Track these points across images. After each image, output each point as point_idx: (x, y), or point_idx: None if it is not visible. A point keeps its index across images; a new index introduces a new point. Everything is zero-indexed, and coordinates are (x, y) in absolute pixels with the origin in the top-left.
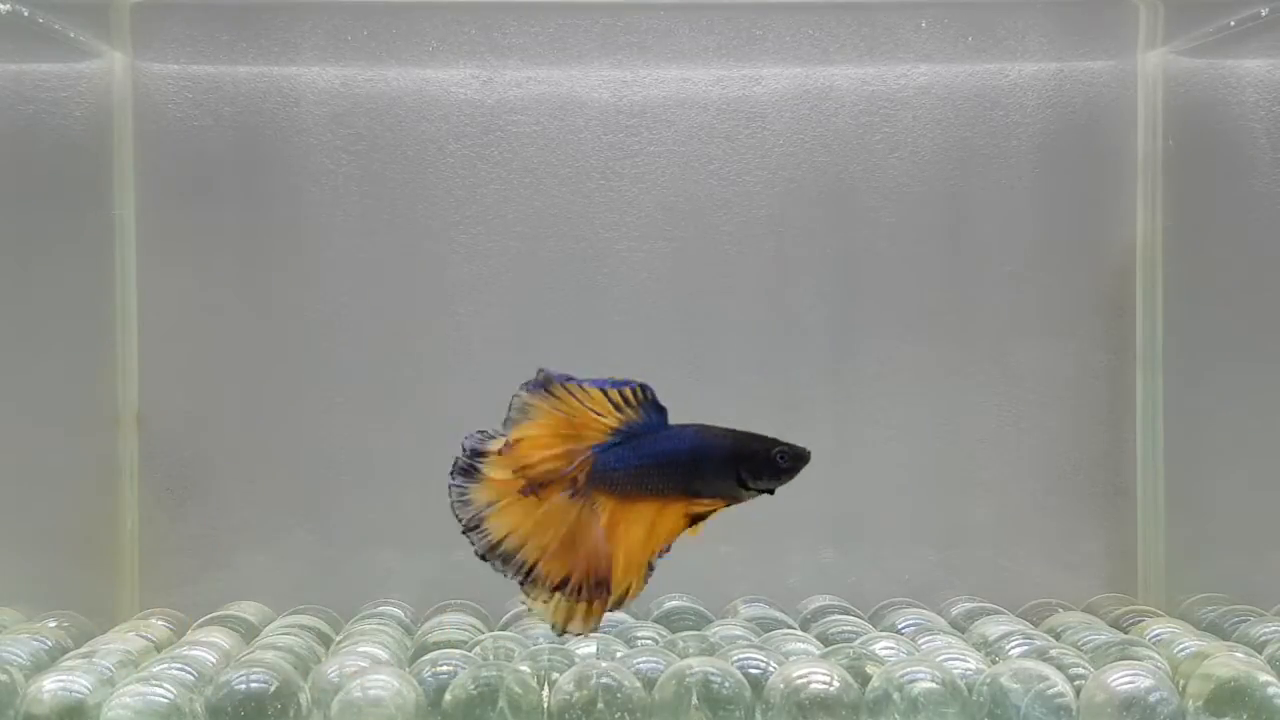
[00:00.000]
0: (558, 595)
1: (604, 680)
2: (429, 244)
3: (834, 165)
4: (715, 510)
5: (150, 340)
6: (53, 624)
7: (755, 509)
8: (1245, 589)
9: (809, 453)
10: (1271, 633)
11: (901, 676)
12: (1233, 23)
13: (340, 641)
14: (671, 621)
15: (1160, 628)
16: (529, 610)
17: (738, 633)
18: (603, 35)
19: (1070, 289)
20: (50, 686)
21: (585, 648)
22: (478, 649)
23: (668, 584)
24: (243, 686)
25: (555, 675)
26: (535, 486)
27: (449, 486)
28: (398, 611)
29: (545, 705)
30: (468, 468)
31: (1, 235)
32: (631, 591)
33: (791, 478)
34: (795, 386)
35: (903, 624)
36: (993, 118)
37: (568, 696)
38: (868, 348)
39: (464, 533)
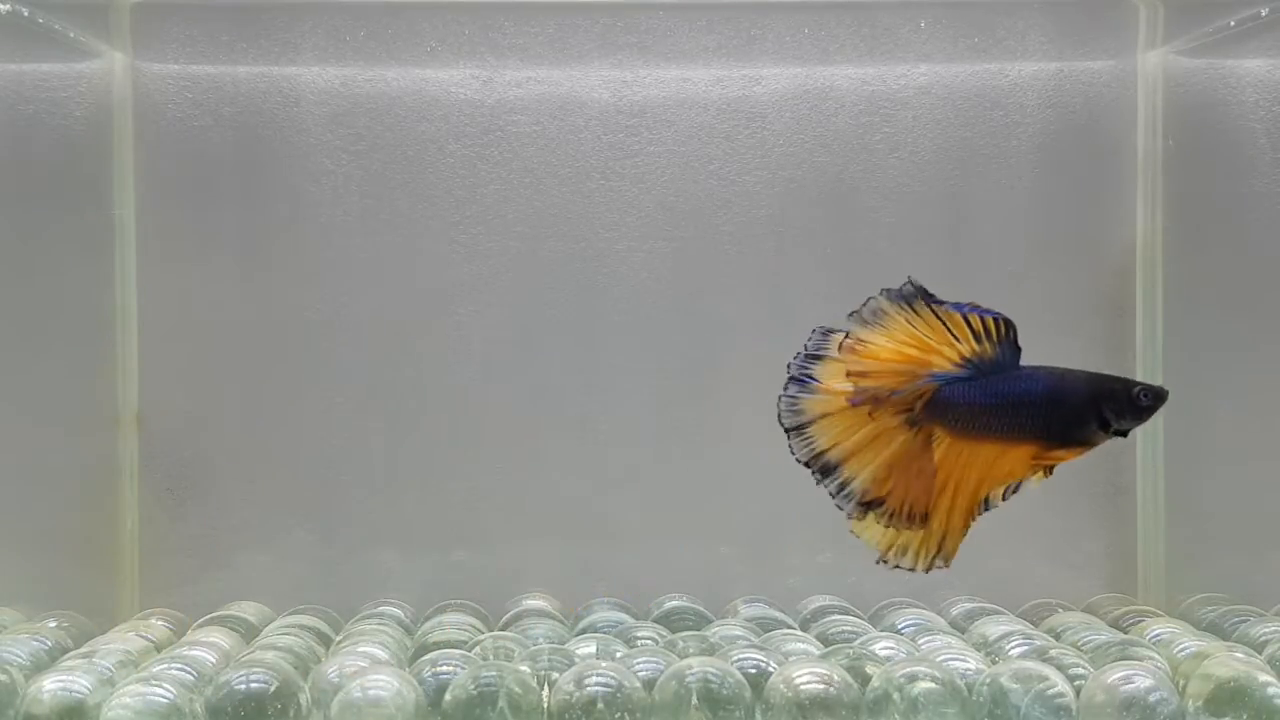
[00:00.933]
0: (872, 516)
1: (604, 680)
2: (429, 244)
3: (834, 165)
4: (1068, 458)
5: (150, 340)
6: (53, 624)
7: (754, 510)
8: (1245, 589)
9: (1167, 392)
10: (1271, 633)
11: (901, 676)
12: (1233, 23)
13: (340, 641)
14: (671, 621)
15: (1160, 628)
16: (851, 531)
17: (738, 633)
18: (603, 35)
19: (1070, 289)
20: (50, 686)
21: (585, 648)
22: (478, 649)
23: (668, 584)
24: (243, 686)
25: (555, 675)
26: (868, 399)
27: (779, 397)
28: (398, 611)
29: (545, 705)
30: (802, 377)
31: (1, 235)
32: (950, 536)
33: (1149, 417)
34: None
35: (903, 624)
36: (993, 118)
37: (568, 696)
38: None
39: (787, 433)
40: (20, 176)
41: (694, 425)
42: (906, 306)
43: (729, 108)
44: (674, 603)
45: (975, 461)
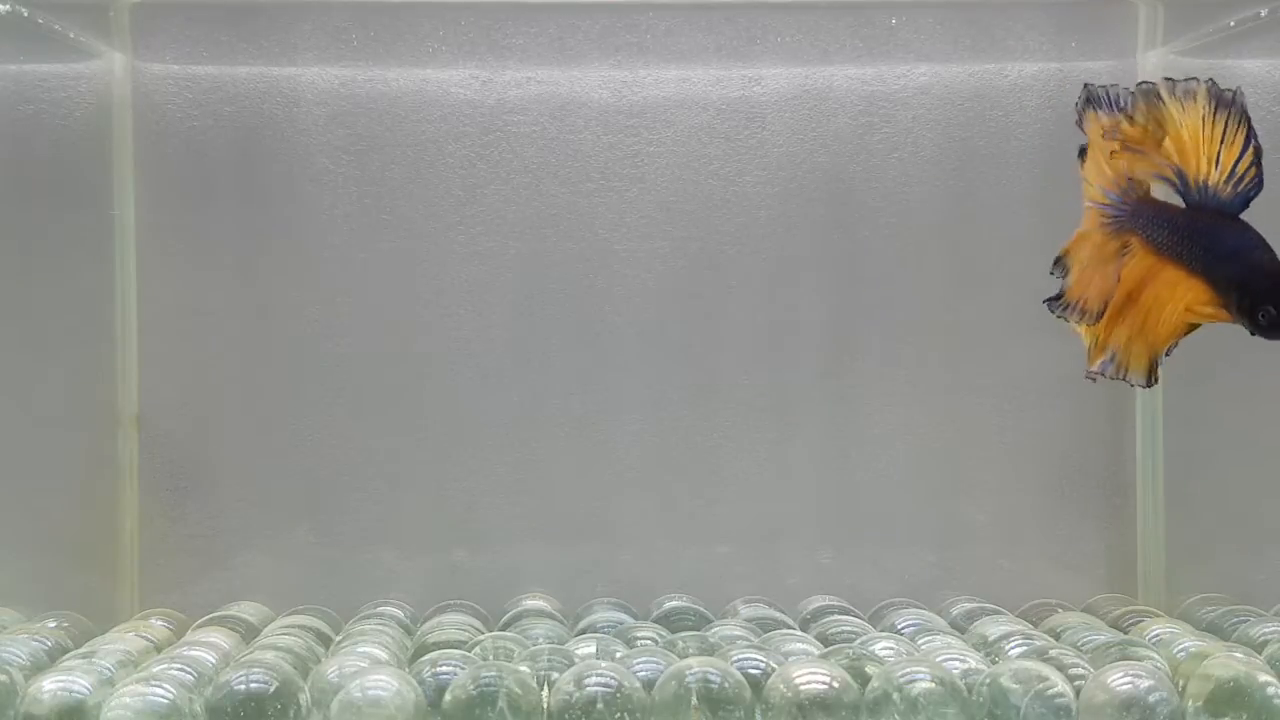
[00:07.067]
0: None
1: (604, 680)
2: (429, 244)
3: (834, 165)
4: (1213, 319)
5: (150, 340)
6: (53, 624)
7: (754, 510)
8: (1245, 589)
9: None
10: (1271, 633)
11: (901, 676)
12: (1233, 23)
13: (340, 641)
14: (671, 621)
15: (1160, 628)
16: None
17: (738, 633)
18: (603, 35)
19: None
20: (50, 687)
21: (585, 648)
22: (478, 649)
23: (668, 584)
24: (243, 687)
25: (555, 675)
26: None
27: None
28: (398, 611)
29: (545, 705)
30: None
31: (2, 235)
32: (1135, 355)
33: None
34: (795, 386)
35: (902, 624)
36: (993, 118)
37: (568, 696)
38: (868, 348)
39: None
40: (20, 176)
41: (694, 425)
42: (1180, 99)
43: (729, 108)
44: (674, 603)
45: (1155, 280)
